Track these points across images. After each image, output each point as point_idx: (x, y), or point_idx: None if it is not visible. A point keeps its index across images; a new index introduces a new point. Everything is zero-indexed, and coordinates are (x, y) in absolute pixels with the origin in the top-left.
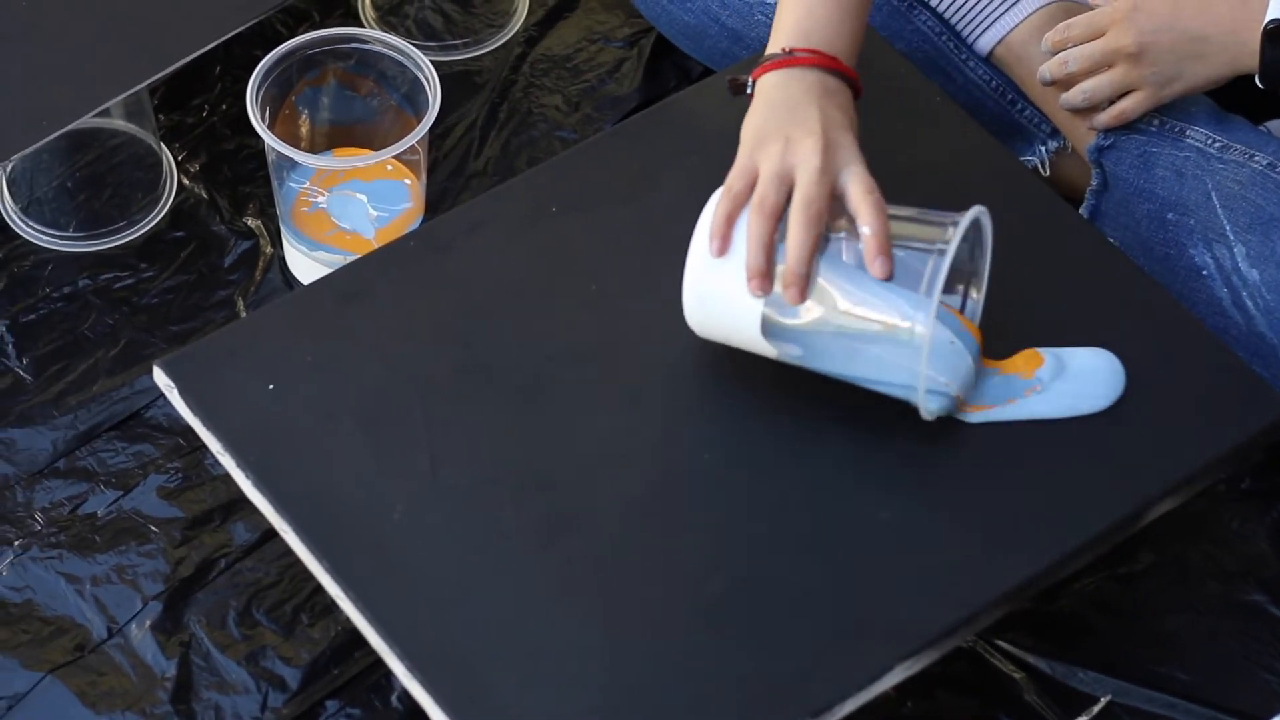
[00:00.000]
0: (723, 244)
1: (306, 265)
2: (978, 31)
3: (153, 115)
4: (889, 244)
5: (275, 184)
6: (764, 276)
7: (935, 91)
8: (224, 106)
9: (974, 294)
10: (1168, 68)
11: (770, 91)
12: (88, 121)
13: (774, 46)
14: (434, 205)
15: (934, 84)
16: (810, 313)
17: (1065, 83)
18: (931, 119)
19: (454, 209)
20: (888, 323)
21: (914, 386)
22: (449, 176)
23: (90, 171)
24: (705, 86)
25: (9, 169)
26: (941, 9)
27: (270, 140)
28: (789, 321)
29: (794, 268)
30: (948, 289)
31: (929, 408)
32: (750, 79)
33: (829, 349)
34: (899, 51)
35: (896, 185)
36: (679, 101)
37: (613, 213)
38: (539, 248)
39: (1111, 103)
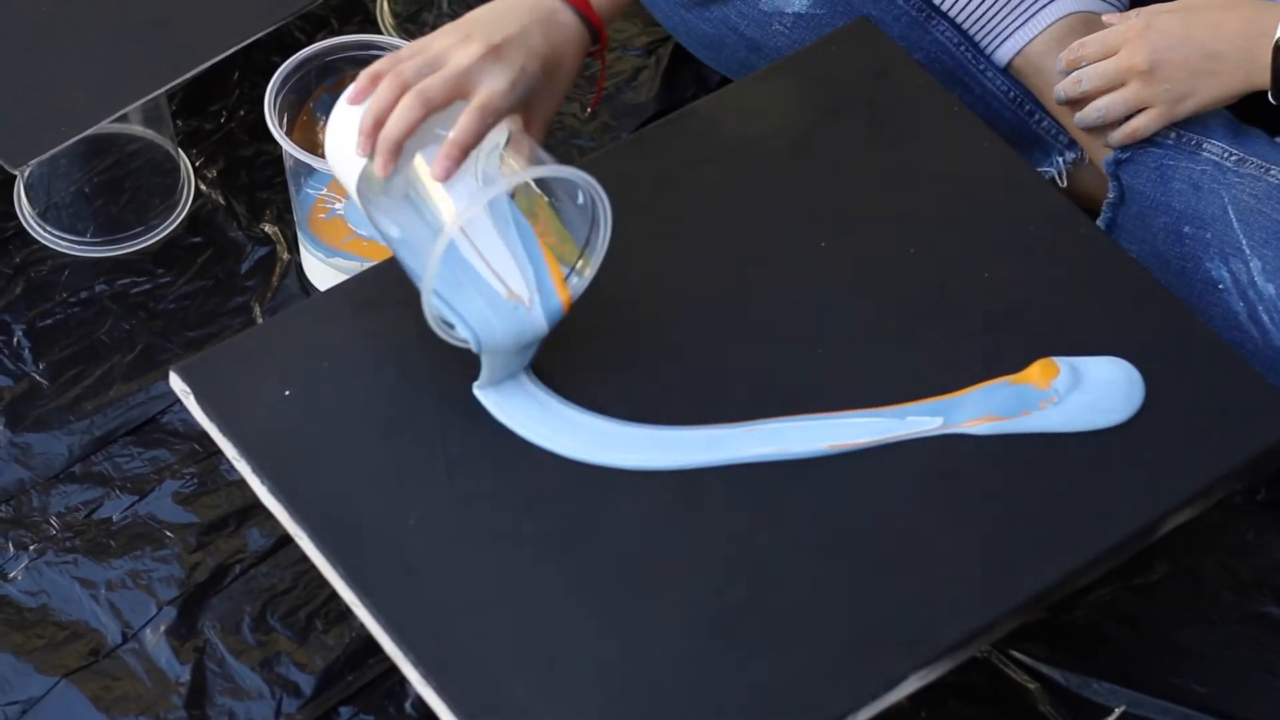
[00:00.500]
0: (357, 95)
1: (323, 271)
2: (996, 42)
3: (170, 121)
4: (462, 152)
5: (292, 190)
6: (367, 137)
7: (953, 102)
8: (242, 112)
9: (583, 269)
10: (1180, 85)
11: None
12: (106, 127)
13: None
14: None
15: (952, 94)
16: (390, 189)
17: (1080, 101)
18: (949, 129)
19: None
20: (440, 211)
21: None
22: None
23: (108, 177)
24: (723, 95)
25: (27, 174)
26: (960, 20)
27: (288, 146)
28: (369, 190)
29: (383, 137)
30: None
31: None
32: None
33: (393, 220)
34: (917, 61)
35: (913, 194)
36: (696, 110)
37: (630, 220)
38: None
39: (1125, 120)
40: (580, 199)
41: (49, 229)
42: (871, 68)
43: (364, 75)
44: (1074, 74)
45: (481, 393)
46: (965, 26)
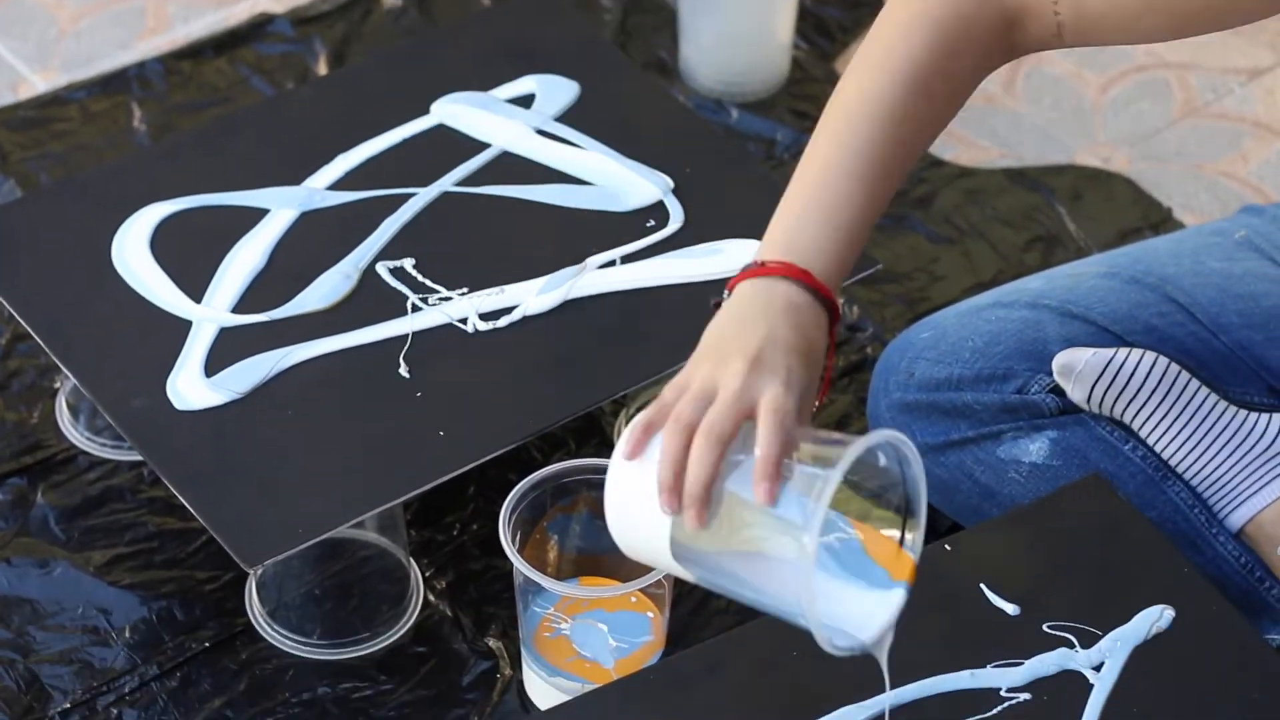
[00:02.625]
0: (633, 450)
1: (545, 690)
2: (1229, 508)
3: (404, 530)
4: (777, 467)
5: (520, 607)
6: (671, 492)
7: (1183, 563)
8: (474, 526)
9: (909, 533)
10: None
11: (734, 302)
12: (341, 531)
13: (755, 257)
14: (675, 640)
15: (1182, 555)
16: (713, 536)
17: None
18: (1178, 590)
19: (695, 646)
20: (778, 540)
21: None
22: (691, 613)
23: (338, 581)
24: (953, 540)
25: (259, 573)
26: (1194, 482)
27: (519, 564)
28: (692, 544)
29: (689, 489)
30: (886, 524)
31: (823, 636)
32: (726, 290)
33: (729, 570)
34: (1150, 520)
35: (1137, 656)
36: (927, 554)
37: (853, 660)
38: (778, 691)
39: None
40: (882, 461)
41: (277, 628)
42: (1103, 524)
43: (635, 428)
44: None
45: None
46: (1200, 490)
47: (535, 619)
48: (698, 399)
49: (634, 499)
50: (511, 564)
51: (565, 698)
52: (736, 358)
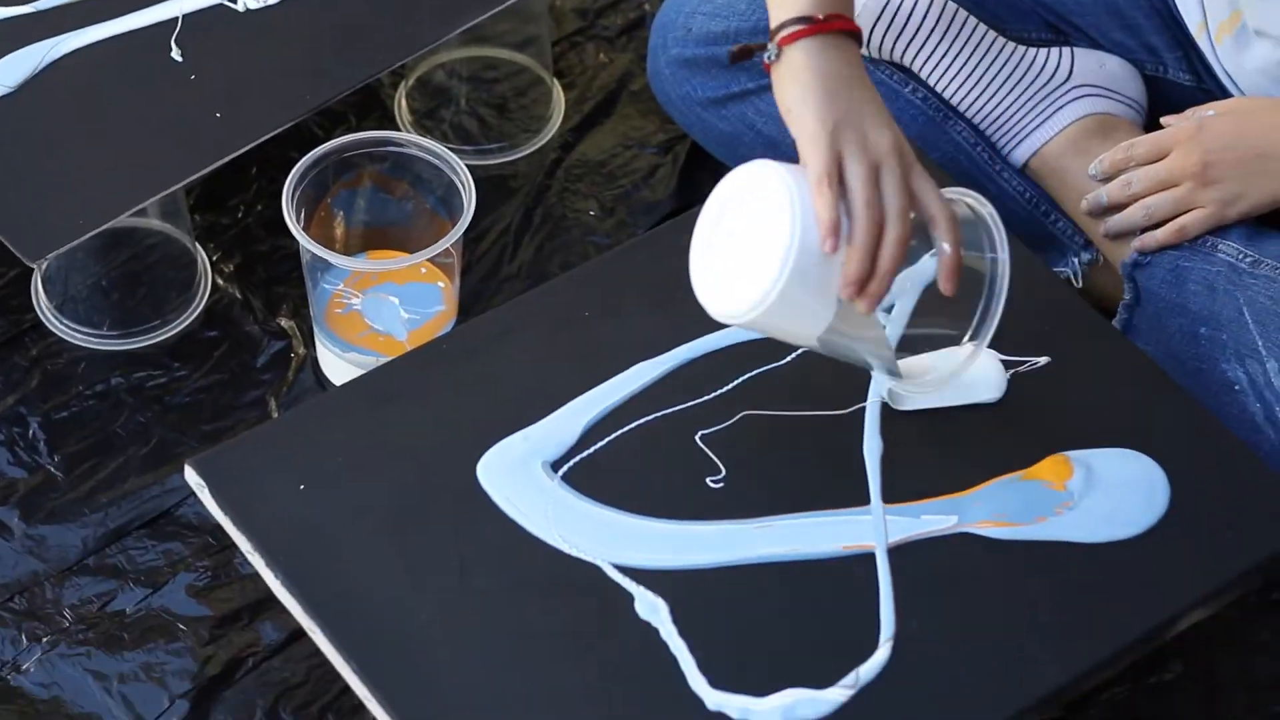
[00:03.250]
0: (837, 240)
1: (339, 366)
2: (1013, 143)
3: (188, 215)
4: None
5: (309, 285)
6: (858, 284)
7: None
8: (259, 207)
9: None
10: (1233, 186)
11: (813, 63)
12: (124, 221)
13: (792, 12)
14: (467, 308)
15: None
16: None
17: (1125, 204)
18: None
19: (487, 313)
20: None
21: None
22: (482, 280)
23: (125, 270)
24: None
25: (44, 267)
26: (976, 121)
27: (305, 242)
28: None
29: (879, 281)
30: None
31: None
32: (776, 46)
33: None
34: (935, 161)
35: (926, 292)
36: None
37: (645, 319)
38: (571, 353)
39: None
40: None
41: (66, 322)
42: None
43: (831, 219)
44: (1123, 176)
45: (492, 487)
46: (982, 127)
47: (325, 296)
48: (871, 182)
49: (809, 285)
50: (298, 243)
51: (360, 372)
52: (882, 132)
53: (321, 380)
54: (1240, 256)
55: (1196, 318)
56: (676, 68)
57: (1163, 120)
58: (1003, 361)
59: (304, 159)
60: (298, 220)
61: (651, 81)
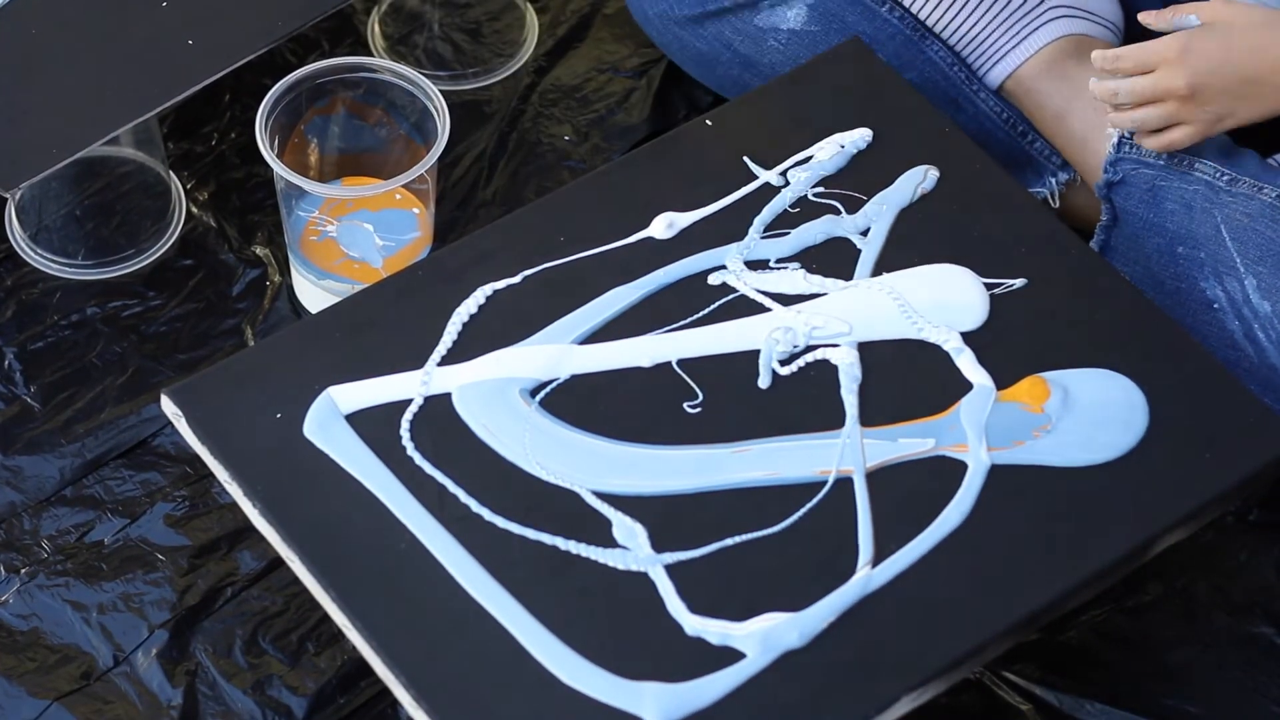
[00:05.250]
0: None
1: (315, 294)
2: (988, 65)
3: (162, 143)
4: None
5: (284, 213)
6: None
7: (945, 122)
8: (233, 135)
9: None
10: (1219, 107)
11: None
12: (97, 149)
13: None
14: (442, 234)
15: (944, 114)
16: None
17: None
18: (941, 150)
19: (462, 238)
20: None
21: None
22: (457, 206)
23: (99, 199)
24: (715, 115)
25: (17, 197)
26: (952, 41)
27: (279, 169)
28: None
29: None
30: None
31: None
32: None
33: None
34: (910, 81)
35: (903, 215)
36: (687, 131)
37: (621, 243)
38: (546, 278)
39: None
40: None
41: (40, 252)
42: (863, 88)
43: None
44: (1110, 84)
45: (469, 415)
46: (957, 47)
47: (300, 223)
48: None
49: None
50: (273, 170)
51: (335, 299)
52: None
53: (297, 308)
54: (1217, 175)
55: (1174, 237)
56: None
57: (1142, 19)
58: (983, 285)
59: (277, 85)
60: (271, 148)
61: (628, 0)
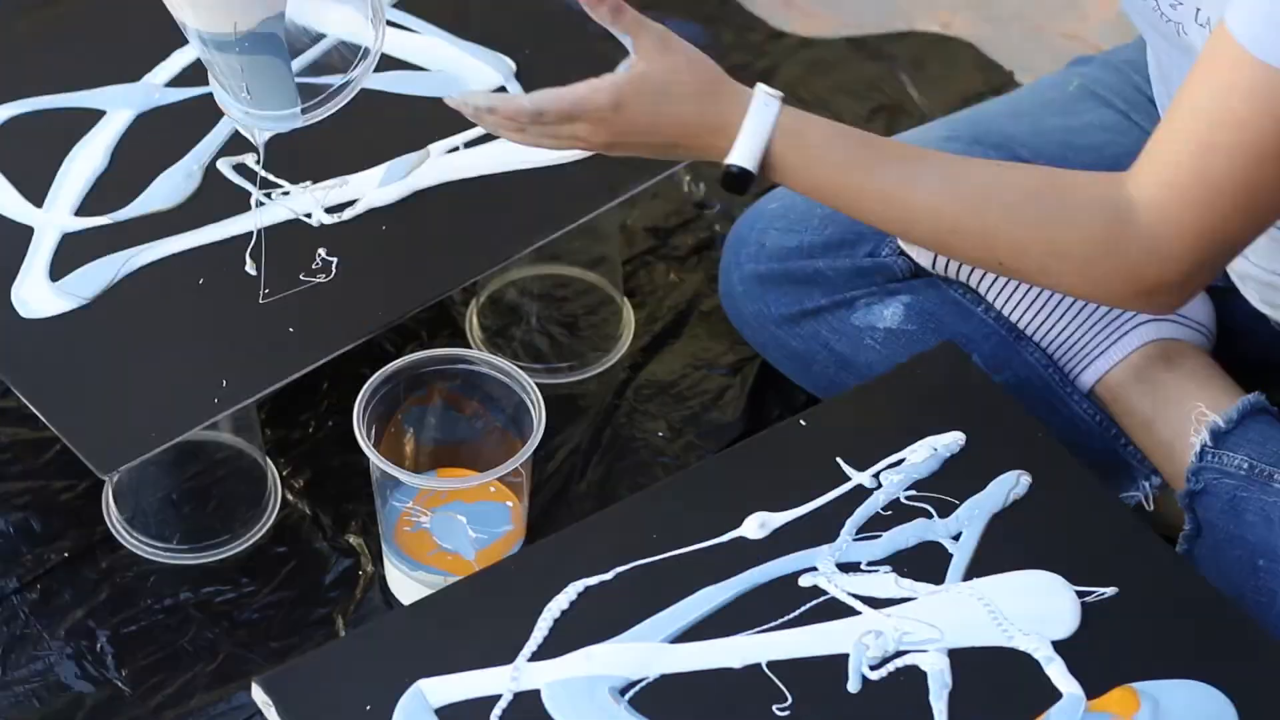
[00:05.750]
0: None
1: (407, 585)
2: (1080, 368)
3: (259, 430)
4: None
5: (378, 502)
6: None
7: (1038, 427)
8: (330, 423)
9: None
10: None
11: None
12: (195, 434)
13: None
14: (535, 528)
15: (1037, 420)
16: None
17: None
18: (1033, 455)
19: (555, 534)
20: None
21: None
22: (551, 500)
23: (195, 484)
24: (810, 415)
25: (115, 480)
26: (1046, 343)
27: (375, 459)
28: None
29: None
30: None
31: None
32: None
33: None
34: (1004, 382)
35: (995, 520)
36: (781, 430)
37: (713, 542)
38: (638, 575)
39: None
40: None
41: (136, 535)
42: (958, 391)
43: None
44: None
45: (559, 713)
46: (1050, 350)
47: (395, 514)
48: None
49: None
50: (368, 459)
51: (428, 591)
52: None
53: (389, 599)
54: None
55: (1254, 549)
56: (750, 284)
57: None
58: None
59: (375, 375)
60: (368, 437)
61: (724, 299)
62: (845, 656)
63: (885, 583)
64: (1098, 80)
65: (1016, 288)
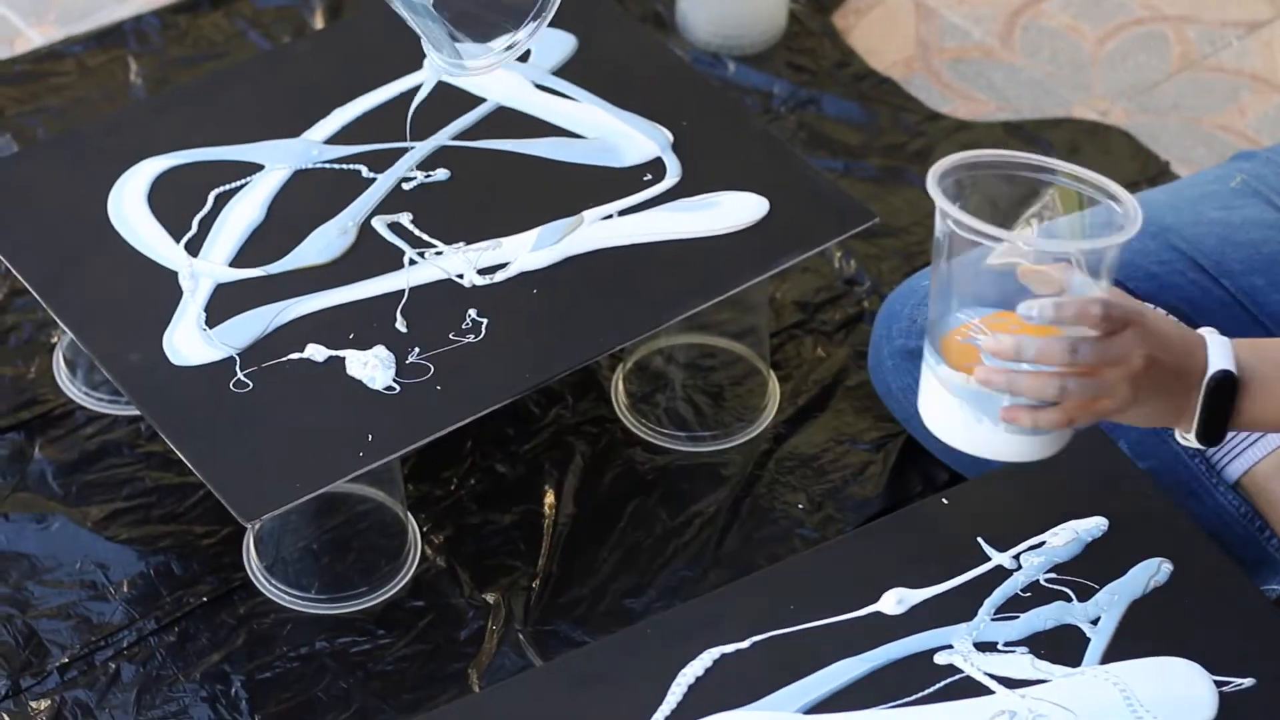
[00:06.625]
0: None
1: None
2: (1226, 459)
3: (402, 484)
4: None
5: (939, 306)
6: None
7: (1181, 515)
8: (472, 481)
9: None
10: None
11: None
12: (338, 486)
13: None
14: (671, 594)
15: (1180, 508)
16: None
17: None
18: (1175, 542)
19: (692, 600)
20: None
21: None
22: (688, 565)
23: (336, 535)
24: (951, 495)
25: (257, 527)
26: None
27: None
28: None
29: None
30: None
31: None
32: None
33: None
34: (1149, 469)
35: (1134, 606)
36: (923, 508)
37: (850, 615)
38: (775, 647)
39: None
40: None
41: (275, 583)
42: (1101, 477)
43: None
44: (1065, 340)
45: None
46: None
47: (955, 323)
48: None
49: None
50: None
51: (947, 395)
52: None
53: (524, 656)
54: None
55: None
56: (899, 359)
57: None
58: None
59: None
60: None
61: (872, 374)
62: None
63: (1021, 664)
64: (1261, 177)
65: None
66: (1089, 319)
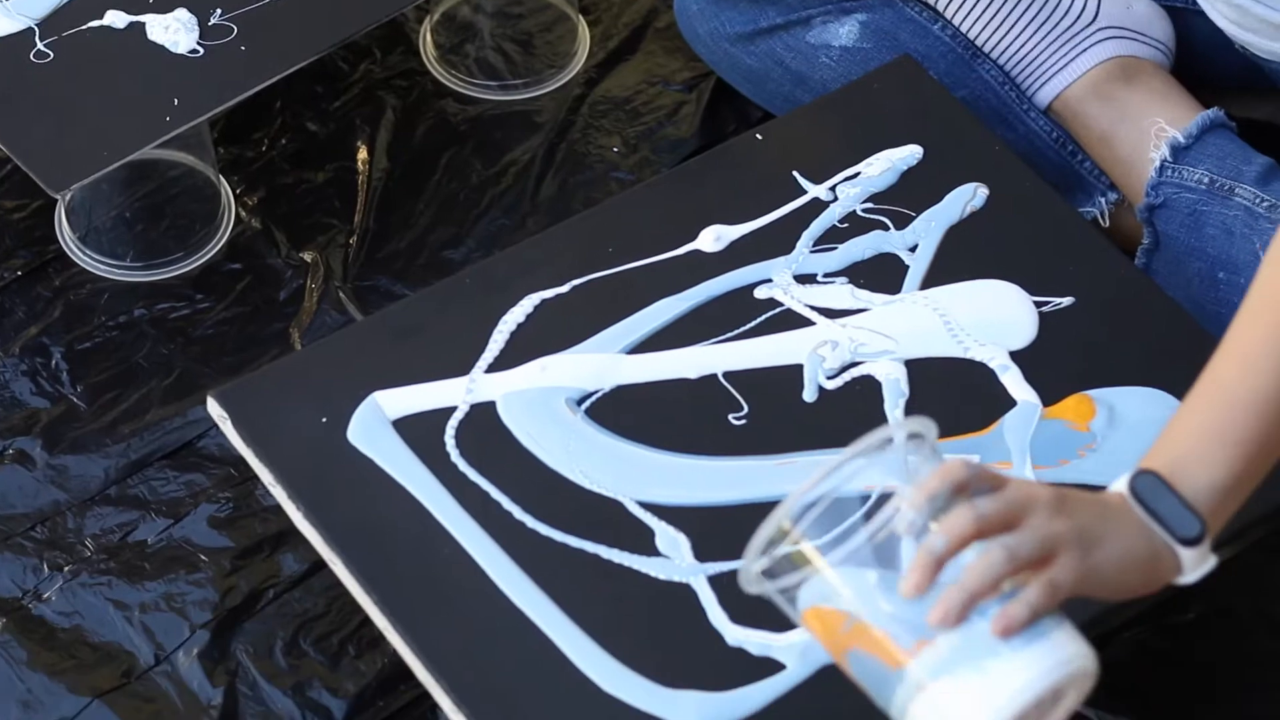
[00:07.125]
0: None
1: None
2: (1037, 84)
3: (212, 148)
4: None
5: None
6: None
7: (995, 140)
8: (283, 141)
9: None
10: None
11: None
12: (147, 152)
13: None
14: (488, 244)
15: (993, 134)
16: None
17: None
18: (990, 168)
19: (510, 248)
20: None
21: None
22: (505, 214)
23: (149, 202)
24: (764, 130)
25: (68, 198)
26: (1001, 61)
27: None
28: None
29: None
30: None
31: None
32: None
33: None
34: (960, 99)
35: (953, 231)
36: (737, 145)
37: (668, 255)
38: (593, 288)
39: None
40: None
41: (89, 253)
42: (914, 105)
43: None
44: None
45: (513, 423)
46: (1007, 67)
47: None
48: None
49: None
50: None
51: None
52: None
53: (345, 312)
54: (1257, 200)
55: (1215, 261)
56: (705, 2)
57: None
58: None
59: None
60: None
61: (678, 17)
62: (801, 367)
63: (841, 294)
64: None
65: (974, 4)
66: (952, 480)
